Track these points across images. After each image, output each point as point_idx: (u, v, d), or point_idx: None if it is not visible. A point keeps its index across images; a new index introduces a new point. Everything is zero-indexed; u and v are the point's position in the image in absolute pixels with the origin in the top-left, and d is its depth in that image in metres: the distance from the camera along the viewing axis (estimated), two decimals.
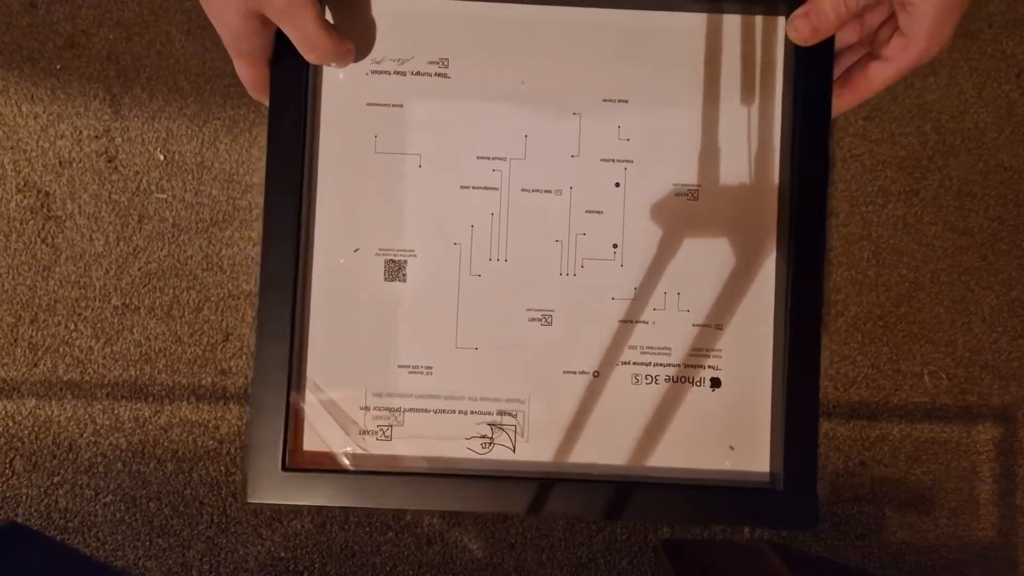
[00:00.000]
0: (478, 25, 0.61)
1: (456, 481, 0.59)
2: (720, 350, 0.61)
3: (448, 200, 0.61)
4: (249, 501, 0.57)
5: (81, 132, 0.76)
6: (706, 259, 0.61)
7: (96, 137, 0.76)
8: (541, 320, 0.61)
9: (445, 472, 0.60)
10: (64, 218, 0.76)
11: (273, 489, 0.58)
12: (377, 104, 0.60)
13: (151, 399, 0.76)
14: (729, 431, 0.61)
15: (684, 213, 0.61)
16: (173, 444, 0.77)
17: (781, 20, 0.60)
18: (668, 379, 0.61)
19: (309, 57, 0.57)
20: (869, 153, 0.80)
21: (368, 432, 0.60)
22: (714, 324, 0.61)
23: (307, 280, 0.60)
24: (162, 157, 0.76)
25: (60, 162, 0.76)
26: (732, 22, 0.61)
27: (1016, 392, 0.80)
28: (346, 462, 0.60)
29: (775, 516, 0.59)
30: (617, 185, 0.61)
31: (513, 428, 0.61)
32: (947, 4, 0.53)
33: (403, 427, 0.60)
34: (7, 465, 0.76)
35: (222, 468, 0.77)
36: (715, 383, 0.61)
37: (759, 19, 0.61)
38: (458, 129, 0.61)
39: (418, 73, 0.61)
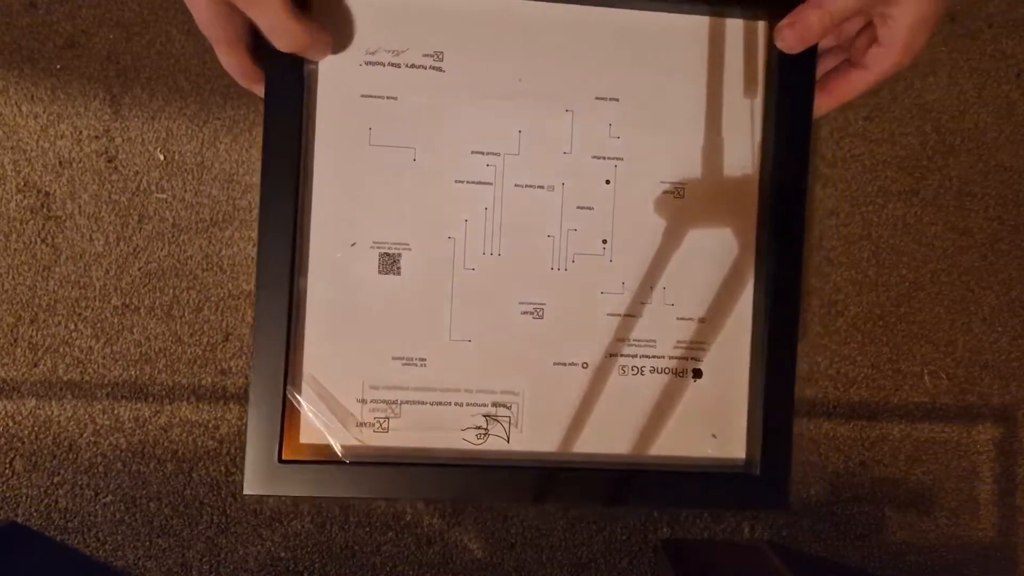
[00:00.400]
0: (473, 19, 0.61)
1: (452, 471, 0.59)
2: (703, 342, 0.62)
3: (442, 194, 0.61)
4: (245, 493, 0.58)
5: (81, 132, 0.76)
6: (691, 255, 0.62)
7: (96, 137, 0.76)
8: (533, 313, 0.61)
9: (441, 462, 0.60)
10: (64, 218, 0.76)
11: (269, 480, 0.58)
12: (371, 96, 0.61)
13: (151, 399, 0.77)
14: (711, 420, 0.62)
15: (671, 210, 0.62)
16: (173, 444, 0.77)
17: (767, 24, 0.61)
18: (653, 370, 0.62)
19: (278, 45, 0.55)
20: (869, 153, 0.80)
21: (365, 424, 0.60)
22: (697, 318, 0.62)
23: (303, 272, 0.60)
24: (162, 157, 0.77)
25: (60, 162, 0.76)
26: (721, 25, 0.62)
27: (1016, 392, 0.80)
28: (342, 453, 0.60)
29: (751, 499, 0.61)
30: (607, 182, 0.61)
31: (507, 419, 0.61)
32: (922, 18, 0.56)
33: (399, 419, 0.61)
34: (7, 465, 0.77)
35: (222, 468, 0.77)
36: (697, 374, 0.62)
37: (747, 23, 0.62)
38: (452, 123, 0.61)
39: (413, 66, 0.61)
